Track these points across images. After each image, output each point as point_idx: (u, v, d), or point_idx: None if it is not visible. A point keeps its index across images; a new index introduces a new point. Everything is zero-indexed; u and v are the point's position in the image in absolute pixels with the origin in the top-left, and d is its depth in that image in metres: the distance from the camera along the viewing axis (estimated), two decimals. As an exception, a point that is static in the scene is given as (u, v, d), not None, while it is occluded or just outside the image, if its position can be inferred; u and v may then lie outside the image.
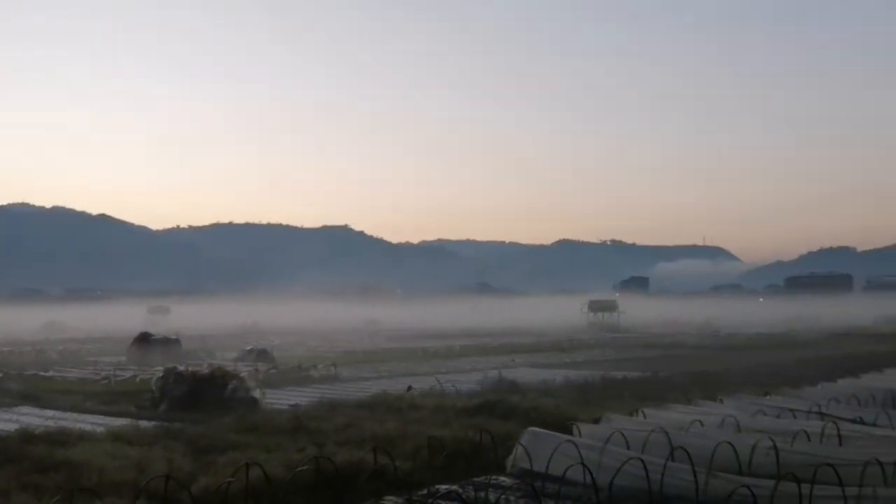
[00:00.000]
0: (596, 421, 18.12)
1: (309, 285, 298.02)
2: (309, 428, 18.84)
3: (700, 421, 17.22)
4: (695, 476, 12.74)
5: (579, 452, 14.00)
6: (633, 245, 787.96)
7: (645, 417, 18.69)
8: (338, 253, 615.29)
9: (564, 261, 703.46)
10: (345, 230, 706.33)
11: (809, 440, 15.18)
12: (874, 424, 17.67)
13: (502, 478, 14.63)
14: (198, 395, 25.49)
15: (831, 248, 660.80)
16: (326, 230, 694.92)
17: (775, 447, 13.87)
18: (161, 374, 27.92)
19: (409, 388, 28.06)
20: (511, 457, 15.16)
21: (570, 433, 16.27)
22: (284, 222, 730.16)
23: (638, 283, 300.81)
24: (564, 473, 12.51)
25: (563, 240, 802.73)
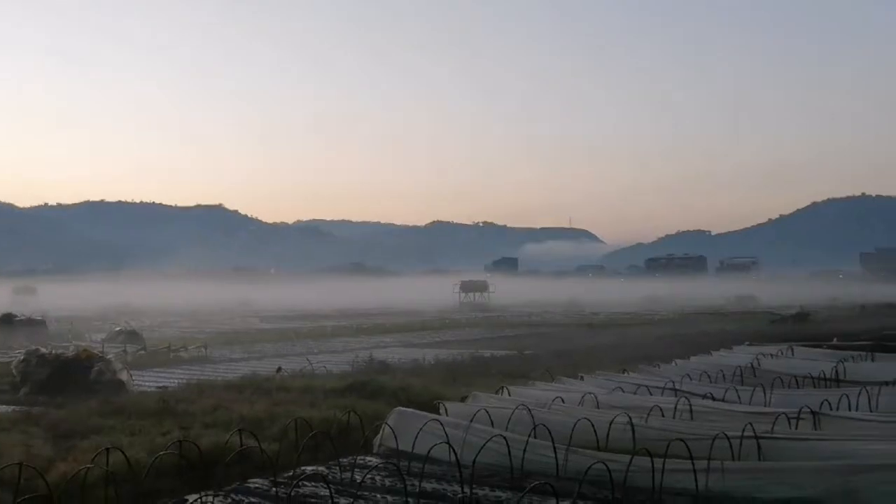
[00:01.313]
0: (463, 399, 18.24)
1: (182, 265, 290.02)
2: (176, 410, 18.27)
3: (562, 398, 17.53)
4: (555, 452, 12.98)
5: (445, 431, 14.05)
6: (504, 227, 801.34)
7: (510, 395, 18.92)
8: (211, 232, 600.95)
9: (438, 241, 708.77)
10: (219, 209, 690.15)
11: (664, 416, 15.66)
12: (723, 400, 18.38)
13: (369, 458, 14.54)
14: (61, 378, 24.31)
15: (688, 231, 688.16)
16: (200, 209, 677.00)
17: (631, 423, 14.24)
18: (22, 357, 26.52)
19: (279, 369, 27.58)
20: (378, 437, 15.08)
21: (437, 412, 16.33)
22: (157, 200, 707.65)
23: (507, 264, 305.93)
24: (429, 452, 12.51)
25: (437, 221, 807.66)
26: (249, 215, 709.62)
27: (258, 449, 13.05)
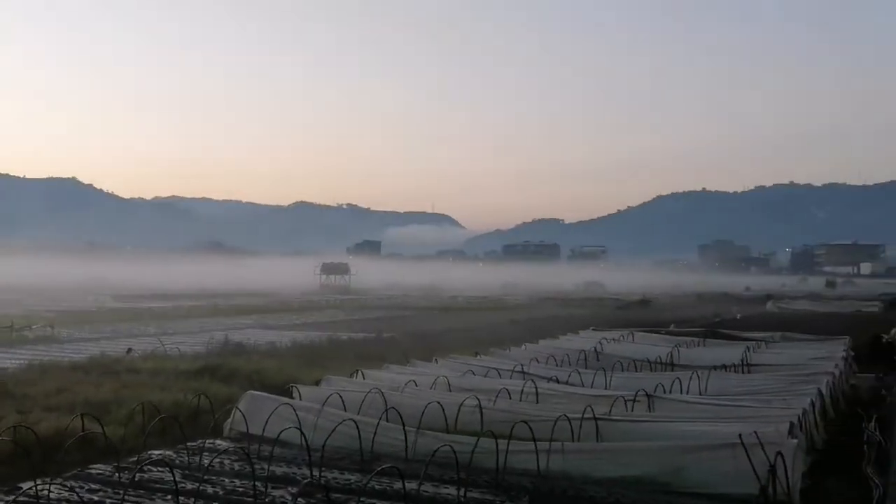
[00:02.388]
0: (317, 383, 18.08)
1: (31, 239, 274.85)
2: (14, 393, 17.31)
3: (414, 381, 17.62)
4: (405, 435, 13.03)
5: (296, 415, 13.89)
6: (368, 210, 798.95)
7: (364, 378, 18.88)
8: (64, 206, 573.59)
9: (301, 222, 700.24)
10: (72, 182, 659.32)
11: (511, 398, 15.96)
12: (567, 382, 18.94)
13: (219, 441, 14.20)
14: None
15: (543, 219, 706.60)
16: (52, 181, 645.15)
17: (480, 406, 14.45)
18: None
19: (130, 349, 26.59)
20: (229, 421, 14.74)
21: (291, 396, 16.12)
22: (4, 171, 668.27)
23: (370, 247, 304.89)
24: (279, 436, 12.34)
25: (301, 201, 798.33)
26: (105, 189, 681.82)
27: (102, 433, 12.54)
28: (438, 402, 14.41)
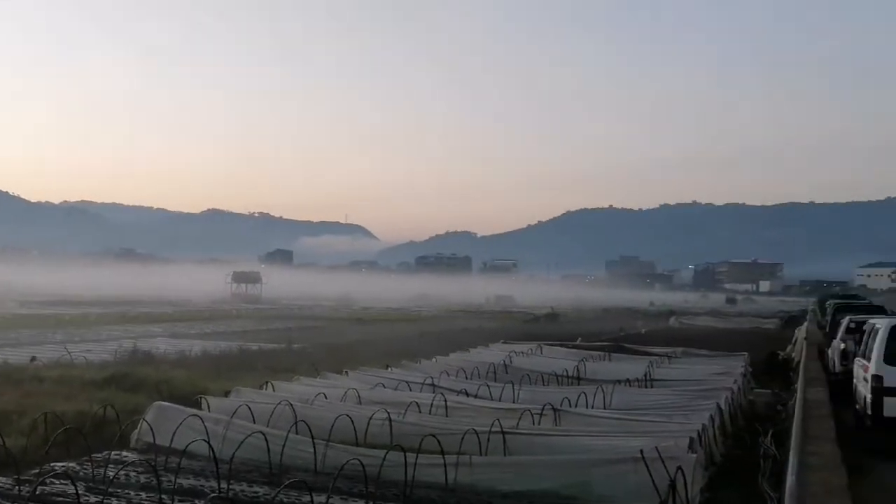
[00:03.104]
0: (226, 394, 17.79)
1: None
2: None
3: (325, 394, 17.49)
4: (314, 448, 12.94)
5: (205, 426, 13.66)
6: (281, 218, 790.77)
7: (274, 390, 18.66)
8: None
9: (212, 230, 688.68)
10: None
11: (420, 411, 15.99)
12: (476, 396, 19.06)
13: (125, 453, 13.83)
14: None
15: (456, 232, 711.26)
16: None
17: (389, 418, 14.45)
18: None
19: (33, 358, 25.69)
20: (135, 432, 14.38)
21: (199, 407, 15.83)
22: None
23: (282, 256, 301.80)
24: (187, 447, 12.11)
25: (212, 209, 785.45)
26: (10, 192, 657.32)
27: (2, 444, 12.09)
28: (348, 415, 14.36)
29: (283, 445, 13.04)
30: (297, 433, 13.68)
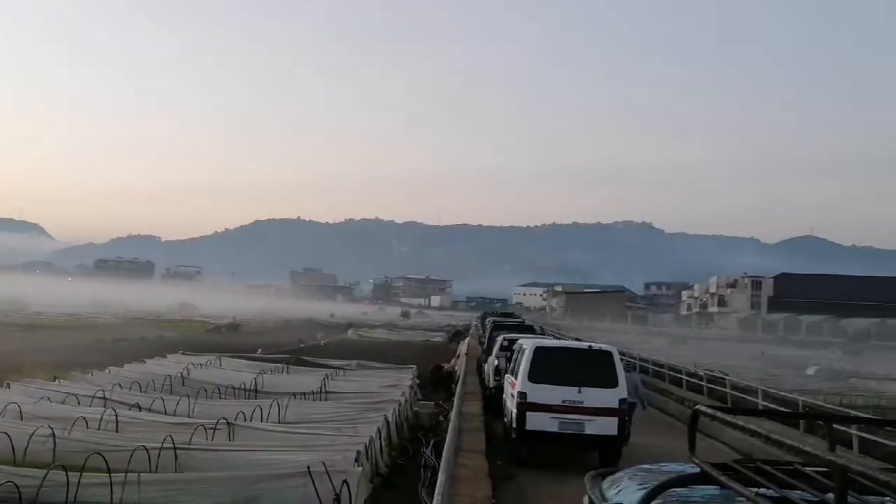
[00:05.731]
0: None
1: None
2: None
3: (-21, 409, 15.85)
4: (-40, 470, 11.67)
5: None
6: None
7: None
8: None
9: None
10: None
11: (88, 427, 15.00)
12: (150, 410, 18.20)
13: None
14: None
15: (139, 235, 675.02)
16: None
17: (53, 435, 13.42)
18: None
19: None
20: None
21: None
22: None
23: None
24: None
25: None
26: None
27: None
28: (6, 433, 13.12)
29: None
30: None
